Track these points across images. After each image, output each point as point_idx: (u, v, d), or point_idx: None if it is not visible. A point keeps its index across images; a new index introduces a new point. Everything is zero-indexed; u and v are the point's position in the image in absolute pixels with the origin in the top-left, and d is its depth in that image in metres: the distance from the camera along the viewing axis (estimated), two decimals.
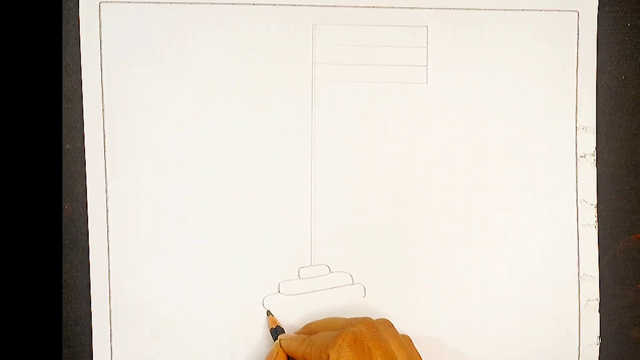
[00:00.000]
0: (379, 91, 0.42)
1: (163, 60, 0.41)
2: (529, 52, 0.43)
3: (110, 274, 0.41)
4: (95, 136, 0.41)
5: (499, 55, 0.43)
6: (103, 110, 0.41)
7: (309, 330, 0.39)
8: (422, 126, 0.43)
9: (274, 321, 0.41)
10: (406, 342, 0.37)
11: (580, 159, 0.43)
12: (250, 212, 0.42)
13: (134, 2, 0.41)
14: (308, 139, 0.42)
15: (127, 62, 0.41)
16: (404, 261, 0.43)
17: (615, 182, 0.44)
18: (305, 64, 0.42)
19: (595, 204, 0.43)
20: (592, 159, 0.43)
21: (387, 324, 0.37)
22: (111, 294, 0.41)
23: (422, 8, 0.42)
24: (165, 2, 0.41)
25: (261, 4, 0.41)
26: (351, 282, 0.42)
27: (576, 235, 0.43)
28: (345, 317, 0.40)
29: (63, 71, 0.41)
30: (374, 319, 0.37)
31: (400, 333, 0.37)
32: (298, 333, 0.40)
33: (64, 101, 0.41)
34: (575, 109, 0.43)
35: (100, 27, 0.41)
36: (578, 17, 0.43)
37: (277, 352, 0.38)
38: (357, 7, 0.42)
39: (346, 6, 0.42)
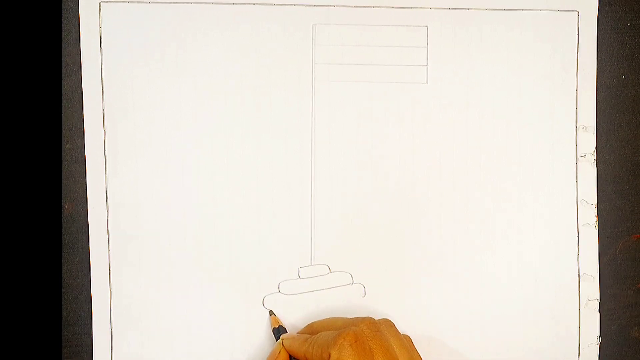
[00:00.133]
0: (379, 91, 0.42)
1: (163, 60, 0.41)
2: (529, 52, 0.43)
3: (111, 274, 0.41)
4: (95, 136, 0.41)
5: (499, 55, 0.43)
6: (103, 109, 0.41)
7: (311, 330, 0.39)
8: (422, 126, 0.43)
9: (277, 321, 0.41)
10: (407, 342, 0.37)
11: (580, 158, 0.43)
12: (250, 212, 0.42)
13: (134, 2, 0.41)
14: (308, 139, 0.42)
15: (127, 61, 0.41)
16: (404, 261, 0.43)
17: (615, 182, 0.44)
18: (305, 64, 0.42)
19: (595, 203, 0.43)
20: (592, 159, 0.43)
21: (388, 324, 0.37)
22: (111, 294, 0.41)
23: (422, 8, 0.42)
24: (165, 2, 0.41)
25: (261, 4, 0.41)
26: (351, 282, 0.42)
27: (576, 235, 0.43)
28: (345, 316, 0.40)
29: (63, 71, 0.41)
30: (376, 319, 0.37)
31: (401, 333, 0.37)
32: (300, 333, 0.40)
33: (64, 101, 0.41)
34: (575, 109, 0.43)
35: (100, 27, 0.41)
36: (578, 17, 0.43)
37: (280, 352, 0.38)
38: (357, 7, 0.42)
39: (346, 6, 0.42)
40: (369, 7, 0.42)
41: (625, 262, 0.44)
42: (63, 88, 0.41)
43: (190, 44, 0.41)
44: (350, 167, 0.42)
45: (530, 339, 0.43)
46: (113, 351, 0.41)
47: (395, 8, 0.42)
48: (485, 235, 0.43)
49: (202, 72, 0.41)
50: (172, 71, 0.41)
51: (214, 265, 0.42)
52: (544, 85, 0.43)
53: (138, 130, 0.41)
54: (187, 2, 0.41)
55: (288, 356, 0.38)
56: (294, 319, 0.42)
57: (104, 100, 0.41)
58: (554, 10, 0.43)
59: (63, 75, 0.41)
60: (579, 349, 0.43)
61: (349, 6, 0.42)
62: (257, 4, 0.41)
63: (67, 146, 0.41)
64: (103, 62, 0.41)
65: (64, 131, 0.41)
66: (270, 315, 0.41)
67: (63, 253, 0.41)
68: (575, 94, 0.43)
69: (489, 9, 0.42)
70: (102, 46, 0.41)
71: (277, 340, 0.39)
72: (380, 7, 0.42)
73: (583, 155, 0.43)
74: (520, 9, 0.43)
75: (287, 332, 0.40)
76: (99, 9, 0.41)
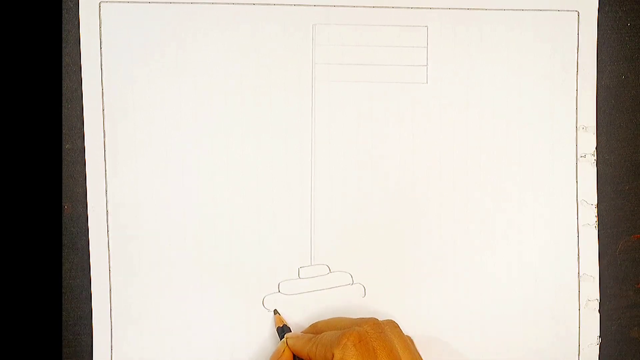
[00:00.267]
0: (379, 91, 0.42)
1: (163, 60, 0.41)
2: (529, 52, 0.43)
3: (111, 274, 0.41)
4: (95, 136, 0.41)
5: (499, 55, 0.43)
6: (103, 110, 0.41)
7: (315, 330, 0.39)
8: (422, 126, 0.43)
9: (281, 320, 0.41)
10: (411, 344, 0.37)
11: (580, 159, 0.43)
12: (250, 212, 0.42)
13: (134, 2, 0.41)
14: (308, 139, 0.42)
15: (127, 62, 0.41)
16: (404, 261, 0.43)
17: (615, 182, 0.44)
18: (305, 64, 0.42)
19: (595, 204, 0.43)
20: (592, 159, 0.43)
21: (392, 325, 0.37)
22: (111, 294, 0.41)
23: (422, 8, 0.42)
24: (165, 2, 0.41)
25: (261, 4, 0.41)
26: (351, 282, 0.42)
27: (576, 235, 0.43)
28: (346, 316, 0.40)
29: (63, 71, 0.41)
30: (379, 319, 0.37)
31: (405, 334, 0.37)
32: (304, 332, 0.40)
33: (64, 101, 0.41)
34: (575, 109, 0.43)
35: (100, 27, 0.41)
36: (578, 17, 0.43)
37: (284, 351, 0.38)
38: (357, 7, 0.42)
39: (346, 6, 0.42)
40: (369, 7, 0.42)
41: (625, 262, 0.44)
42: (63, 88, 0.41)
43: (190, 44, 0.41)
44: (350, 167, 0.42)
45: (530, 339, 0.43)
46: (113, 351, 0.41)
47: (395, 8, 0.42)
48: (485, 235, 0.43)
49: (202, 72, 0.41)
50: (172, 71, 0.41)
51: (214, 265, 0.42)
52: (544, 85, 0.43)
53: (138, 131, 0.41)
54: (187, 2, 0.41)
55: (292, 355, 0.38)
56: (294, 319, 0.42)
57: (104, 100, 0.41)
58: (554, 10, 0.43)
59: (63, 75, 0.41)
60: (579, 349, 0.43)
61: (349, 6, 0.42)
62: (257, 4, 0.41)
63: (67, 146, 0.41)
64: (103, 62, 0.41)
65: (64, 131, 0.41)
66: (274, 314, 0.42)
67: (63, 253, 0.41)
68: (575, 94, 0.43)
69: (489, 9, 0.42)
70: (102, 46, 0.41)
71: (281, 340, 0.39)
72: (380, 7, 0.42)
73: (583, 155, 0.43)
74: (520, 9, 0.43)
75: (291, 331, 0.40)
76: (99, 9, 0.41)
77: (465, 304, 0.43)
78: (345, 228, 0.42)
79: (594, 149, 0.43)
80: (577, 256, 0.43)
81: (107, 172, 0.41)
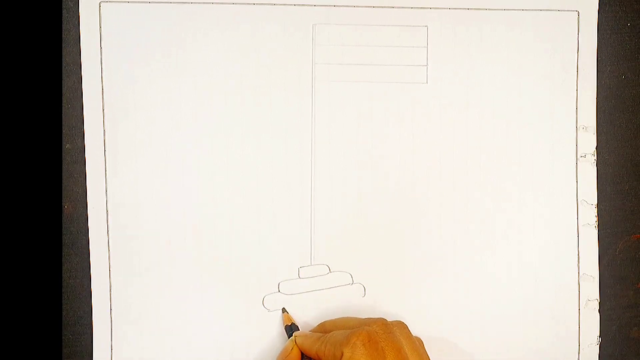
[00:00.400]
0: (379, 91, 0.42)
1: (163, 60, 0.41)
2: (529, 52, 0.43)
3: (111, 274, 0.41)
4: (95, 136, 0.41)
5: (499, 55, 0.43)
6: (103, 109, 0.41)
7: (323, 329, 0.39)
8: (422, 126, 0.43)
9: (289, 318, 0.41)
10: (419, 345, 0.37)
11: (580, 159, 0.43)
12: (250, 212, 0.42)
13: (134, 2, 0.41)
14: (308, 139, 0.42)
15: (127, 61, 0.41)
16: (404, 261, 0.43)
17: (615, 182, 0.44)
18: (305, 64, 0.42)
19: (595, 204, 0.43)
20: (592, 159, 0.43)
21: (401, 326, 0.37)
22: (111, 294, 0.41)
23: (422, 8, 0.42)
24: (165, 2, 0.41)
25: (261, 4, 0.41)
26: (351, 282, 0.42)
27: (576, 235, 0.43)
28: (347, 316, 0.40)
29: (63, 71, 0.41)
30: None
31: (414, 336, 0.37)
32: (312, 331, 0.40)
33: (64, 101, 0.41)
34: (575, 109, 0.43)
35: (100, 27, 0.41)
36: (578, 17, 0.43)
37: (292, 349, 0.38)
38: (357, 7, 0.42)
39: (346, 6, 0.42)
40: (369, 7, 0.42)
41: (625, 262, 0.44)
42: (63, 88, 0.41)
43: (190, 44, 0.41)
44: (350, 167, 0.42)
45: (530, 339, 0.43)
46: (113, 351, 0.41)
47: (395, 8, 0.42)
48: (485, 235, 0.43)
49: (202, 72, 0.41)
50: (172, 71, 0.41)
51: (214, 265, 0.42)
52: (544, 85, 0.43)
53: (138, 130, 0.41)
54: (187, 2, 0.41)
55: (300, 353, 0.38)
56: (295, 318, 0.42)
57: (104, 100, 0.41)
58: (554, 10, 0.43)
59: (63, 75, 0.41)
60: (579, 349, 0.43)
61: (349, 6, 0.42)
62: (257, 4, 0.41)
63: (67, 146, 0.41)
64: (103, 62, 0.41)
65: (64, 131, 0.41)
66: (282, 312, 0.42)
67: (63, 253, 0.41)
68: (575, 94, 0.43)
69: (489, 9, 0.42)
70: (102, 46, 0.41)
71: (289, 338, 0.39)
72: (380, 7, 0.42)
73: (583, 155, 0.43)
74: (520, 9, 0.43)
75: (299, 329, 0.40)
76: (99, 9, 0.41)
77: (465, 304, 0.43)
78: (345, 228, 0.42)
79: (594, 149, 0.43)
80: (577, 256, 0.43)
81: (107, 172, 0.41)
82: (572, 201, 0.43)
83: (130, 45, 0.41)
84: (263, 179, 0.42)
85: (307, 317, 0.42)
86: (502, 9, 0.42)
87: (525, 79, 0.43)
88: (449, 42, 0.42)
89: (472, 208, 0.43)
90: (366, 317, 0.39)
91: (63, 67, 0.41)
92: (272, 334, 0.42)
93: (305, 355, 0.38)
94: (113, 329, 0.41)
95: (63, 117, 0.41)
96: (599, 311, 0.43)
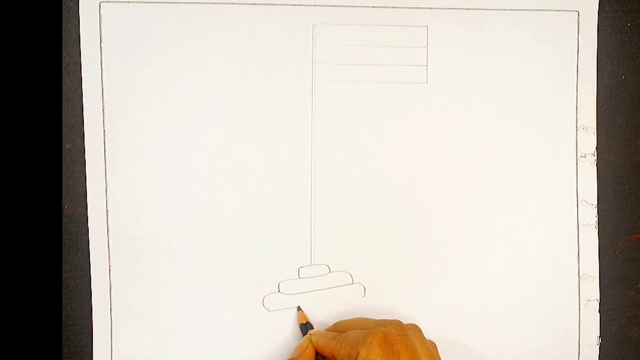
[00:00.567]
0: (379, 91, 0.42)
1: (163, 60, 0.41)
2: (529, 52, 0.43)
3: (111, 274, 0.41)
4: (95, 136, 0.41)
5: (499, 55, 0.43)
6: (103, 109, 0.41)
7: (338, 329, 0.40)
8: (422, 126, 0.43)
9: (304, 317, 0.41)
10: (433, 349, 0.37)
11: (580, 159, 0.43)
12: (250, 211, 0.42)
13: (134, 2, 0.41)
14: (308, 139, 0.42)
15: (127, 61, 0.41)
16: (404, 261, 0.43)
17: (615, 182, 0.44)
18: (305, 64, 0.42)
19: (595, 204, 0.43)
20: (592, 159, 0.43)
21: (416, 329, 0.37)
22: (111, 294, 0.41)
23: (422, 8, 0.42)
24: (165, 2, 0.41)
25: (261, 4, 0.41)
26: (351, 282, 0.42)
27: (576, 235, 0.43)
28: (346, 317, 0.40)
29: (63, 71, 0.41)
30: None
31: (427, 339, 0.37)
32: (327, 330, 0.40)
33: (64, 101, 0.41)
34: (575, 109, 0.43)
35: (100, 27, 0.41)
36: (578, 17, 0.43)
37: (307, 347, 0.38)
38: (357, 7, 0.42)
39: (346, 6, 0.42)
40: (369, 7, 0.42)
41: (625, 262, 0.44)
42: (63, 88, 0.41)
43: (190, 44, 0.41)
44: (350, 167, 0.42)
45: (530, 339, 0.43)
46: (113, 351, 0.41)
47: (395, 8, 0.42)
48: (485, 235, 0.43)
49: (202, 72, 0.41)
50: (172, 71, 0.41)
51: (214, 265, 0.42)
52: (544, 85, 0.43)
53: (138, 130, 0.41)
54: (187, 2, 0.41)
55: (314, 352, 0.38)
56: (294, 318, 0.42)
57: (104, 100, 0.41)
58: (554, 10, 0.43)
59: (63, 75, 0.41)
60: (579, 349, 0.43)
61: (349, 6, 0.42)
62: (257, 4, 0.41)
63: (67, 146, 0.41)
64: (103, 62, 0.41)
65: (64, 131, 0.41)
66: (297, 310, 0.42)
67: (63, 253, 0.41)
68: (575, 94, 0.43)
69: (489, 9, 0.42)
70: (102, 46, 0.41)
71: (304, 336, 0.40)
72: (380, 7, 0.42)
73: (583, 155, 0.43)
74: (520, 9, 0.43)
75: (313, 328, 0.41)
76: (99, 9, 0.41)
77: (465, 304, 0.43)
78: (345, 228, 0.42)
79: (594, 149, 0.43)
80: (577, 256, 0.43)
81: (107, 172, 0.41)
82: (572, 201, 0.43)
83: (130, 45, 0.41)
84: (263, 179, 0.42)
85: (307, 317, 0.42)
86: (502, 9, 0.42)
87: (525, 79, 0.43)
88: (449, 42, 0.42)
89: (472, 208, 0.43)
90: (365, 317, 0.40)
91: (63, 67, 0.41)
92: (272, 334, 0.42)
93: (319, 354, 0.38)
94: (113, 329, 0.41)
95: (63, 117, 0.41)
96: (599, 311, 0.43)
